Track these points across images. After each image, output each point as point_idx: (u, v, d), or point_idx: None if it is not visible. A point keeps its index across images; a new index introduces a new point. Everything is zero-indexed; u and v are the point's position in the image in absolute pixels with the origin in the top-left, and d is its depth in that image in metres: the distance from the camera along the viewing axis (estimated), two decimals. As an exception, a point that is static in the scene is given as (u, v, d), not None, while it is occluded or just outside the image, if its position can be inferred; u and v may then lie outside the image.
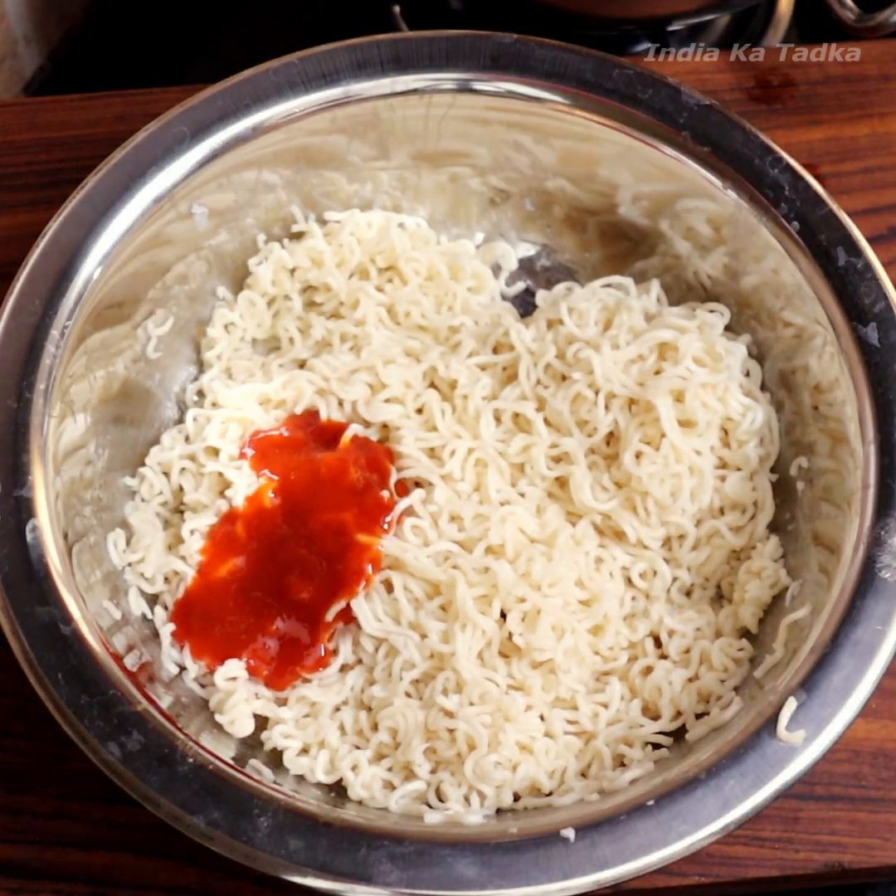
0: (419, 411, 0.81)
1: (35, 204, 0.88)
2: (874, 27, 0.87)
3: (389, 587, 0.76)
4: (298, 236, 0.86)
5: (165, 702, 0.69)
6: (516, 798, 0.72)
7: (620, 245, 0.86)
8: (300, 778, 0.72)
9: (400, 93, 0.81)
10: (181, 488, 0.80)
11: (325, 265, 0.84)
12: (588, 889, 0.63)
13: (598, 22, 0.95)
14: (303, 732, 0.73)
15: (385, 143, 0.84)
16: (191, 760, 0.65)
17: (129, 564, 0.77)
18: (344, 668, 0.76)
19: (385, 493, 0.78)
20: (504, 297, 0.88)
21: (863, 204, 0.90)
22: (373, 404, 0.81)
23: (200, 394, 0.83)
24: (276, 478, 0.78)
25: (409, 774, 0.72)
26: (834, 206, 0.78)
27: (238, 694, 0.73)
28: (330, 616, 0.75)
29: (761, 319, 0.82)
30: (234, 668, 0.74)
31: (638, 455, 0.78)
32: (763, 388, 0.81)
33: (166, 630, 0.75)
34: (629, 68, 0.81)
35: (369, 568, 0.75)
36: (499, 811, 0.71)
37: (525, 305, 0.87)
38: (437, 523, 0.77)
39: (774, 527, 0.79)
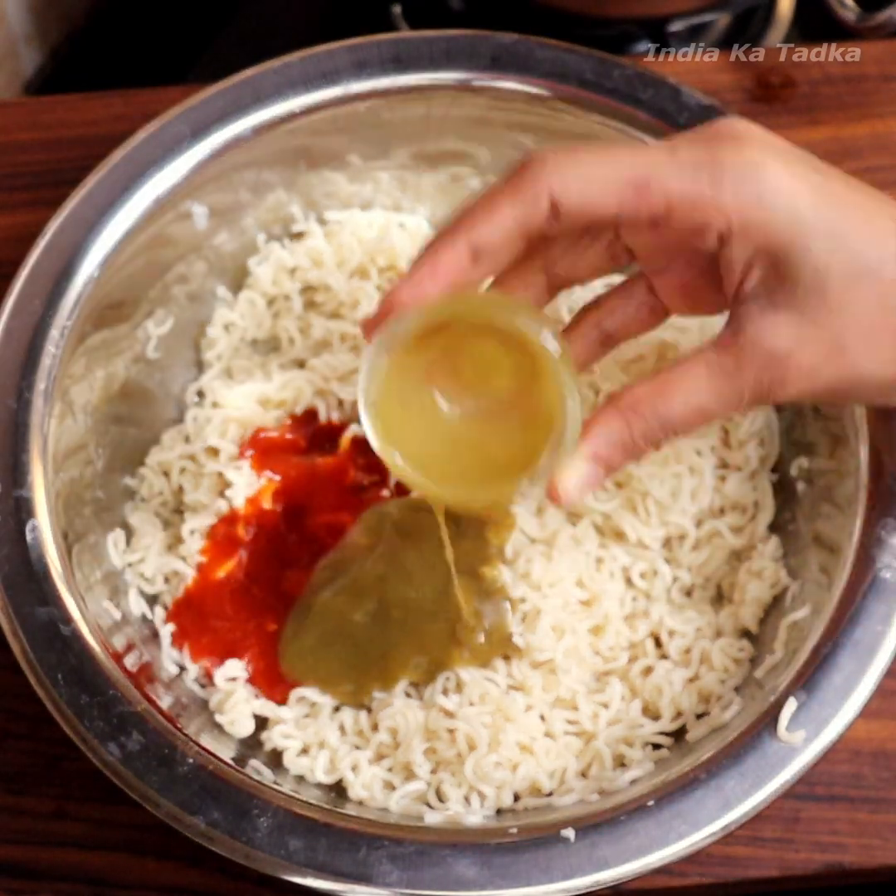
0: (419, 411, 0.81)
1: (35, 204, 0.88)
2: (874, 27, 0.87)
3: (389, 587, 0.76)
4: (298, 236, 0.86)
5: (165, 702, 0.69)
6: (516, 798, 0.72)
7: (620, 245, 0.86)
8: (300, 778, 0.72)
9: (400, 93, 0.81)
10: (181, 488, 0.80)
11: (325, 265, 0.84)
12: (588, 889, 0.63)
13: (598, 22, 0.95)
14: (303, 732, 0.73)
15: (385, 143, 0.84)
16: (191, 761, 0.65)
17: (129, 564, 0.77)
18: (344, 668, 0.76)
19: (385, 493, 0.78)
20: (504, 297, 0.88)
21: (863, 204, 0.90)
22: (373, 404, 0.80)
23: (200, 394, 0.83)
24: (276, 478, 0.78)
25: (409, 774, 0.72)
26: (834, 206, 0.78)
27: (238, 694, 0.73)
28: (330, 616, 0.75)
29: (761, 319, 0.81)
30: (234, 668, 0.74)
31: (638, 455, 0.78)
32: (763, 388, 0.81)
33: (166, 630, 0.75)
34: (629, 68, 0.81)
35: (369, 568, 0.75)
36: (499, 811, 0.71)
37: (525, 305, 0.87)
38: (437, 523, 0.77)
39: (774, 527, 0.79)
